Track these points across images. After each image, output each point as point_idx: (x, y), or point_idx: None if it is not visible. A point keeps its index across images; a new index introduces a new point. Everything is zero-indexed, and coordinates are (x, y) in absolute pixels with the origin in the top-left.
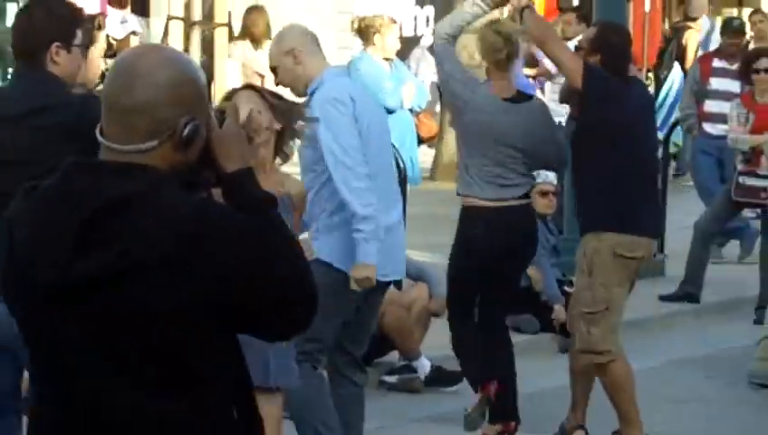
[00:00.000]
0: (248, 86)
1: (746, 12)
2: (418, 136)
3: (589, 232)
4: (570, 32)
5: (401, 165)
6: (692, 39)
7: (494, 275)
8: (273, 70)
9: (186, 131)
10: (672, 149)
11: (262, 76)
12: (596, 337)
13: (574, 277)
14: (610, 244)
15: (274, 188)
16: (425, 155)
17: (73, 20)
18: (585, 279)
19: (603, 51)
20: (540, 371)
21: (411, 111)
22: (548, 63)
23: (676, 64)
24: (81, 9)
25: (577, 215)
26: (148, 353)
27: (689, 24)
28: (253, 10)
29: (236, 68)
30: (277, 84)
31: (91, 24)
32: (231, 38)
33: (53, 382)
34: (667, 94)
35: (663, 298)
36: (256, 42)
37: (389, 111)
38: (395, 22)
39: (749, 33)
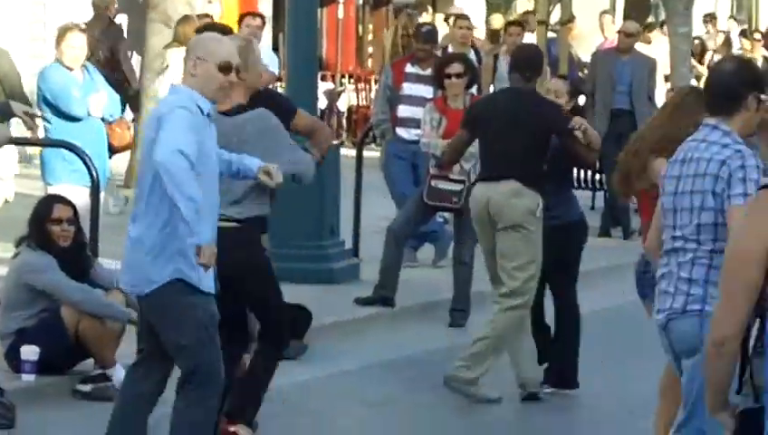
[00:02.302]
0: None
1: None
2: (110, 144)
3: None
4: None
5: (93, 172)
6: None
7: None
8: None
9: None
10: None
11: None
12: None
13: None
14: None
15: None
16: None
17: None
18: None
19: None
20: None
21: (103, 119)
22: None
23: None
24: None
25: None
26: None
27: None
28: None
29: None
30: None
31: None
32: None
33: None
34: None
35: (358, 301)
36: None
37: (77, 119)
38: (83, 31)
39: (446, 37)
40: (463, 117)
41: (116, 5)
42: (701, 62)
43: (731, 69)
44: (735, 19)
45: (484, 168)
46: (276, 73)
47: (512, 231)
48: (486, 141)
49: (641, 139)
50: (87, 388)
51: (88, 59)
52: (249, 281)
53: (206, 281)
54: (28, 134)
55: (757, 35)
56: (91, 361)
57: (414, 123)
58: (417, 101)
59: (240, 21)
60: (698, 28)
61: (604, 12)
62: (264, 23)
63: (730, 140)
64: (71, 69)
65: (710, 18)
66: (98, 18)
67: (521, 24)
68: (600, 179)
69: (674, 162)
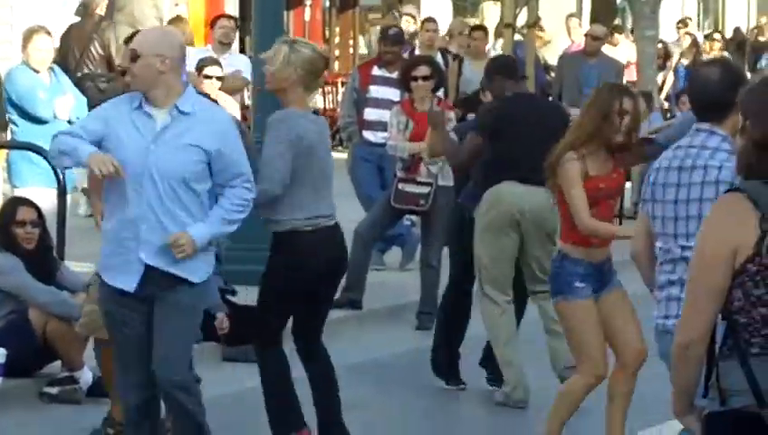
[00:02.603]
0: None
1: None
2: None
3: None
4: (226, 38)
5: (60, 175)
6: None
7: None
8: None
9: None
10: None
11: None
12: None
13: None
14: None
15: None
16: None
17: None
18: None
19: None
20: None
21: (70, 122)
22: None
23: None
24: None
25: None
26: None
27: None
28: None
29: None
30: None
31: None
32: None
33: None
34: None
35: None
36: None
37: (43, 121)
38: (49, 34)
39: (418, 39)
40: (480, 123)
41: (105, 2)
42: (665, 66)
43: (716, 76)
44: (692, 21)
45: (510, 168)
46: (250, 79)
47: (548, 238)
48: (515, 144)
49: (565, 136)
50: (54, 390)
51: (82, 57)
52: (340, 277)
53: (119, 277)
54: None
55: (717, 35)
56: (58, 363)
57: (381, 126)
58: (384, 103)
59: (213, 23)
60: (666, 33)
61: (570, 15)
62: (237, 25)
63: (732, 146)
64: (37, 71)
65: (683, 24)
66: (88, 17)
67: (485, 28)
68: None
69: (666, 169)
